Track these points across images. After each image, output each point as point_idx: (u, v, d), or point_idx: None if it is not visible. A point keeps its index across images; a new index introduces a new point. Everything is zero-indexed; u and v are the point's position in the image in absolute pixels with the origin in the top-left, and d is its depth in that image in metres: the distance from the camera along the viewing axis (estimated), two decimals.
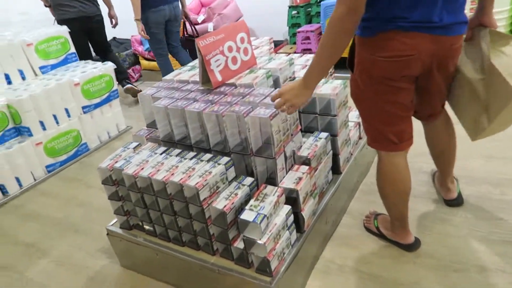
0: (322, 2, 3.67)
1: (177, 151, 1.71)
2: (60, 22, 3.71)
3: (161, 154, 1.71)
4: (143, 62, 4.87)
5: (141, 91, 3.99)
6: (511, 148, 2.26)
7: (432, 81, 1.43)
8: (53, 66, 3.34)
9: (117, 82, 3.62)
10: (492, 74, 1.34)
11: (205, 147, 1.71)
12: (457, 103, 1.58)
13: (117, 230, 1.84)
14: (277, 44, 4.20)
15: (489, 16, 1.43)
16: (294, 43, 4.07)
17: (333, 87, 1.87)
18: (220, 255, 1.60)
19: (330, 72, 2.34)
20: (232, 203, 1.47)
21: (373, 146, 1.54)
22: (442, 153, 1.82)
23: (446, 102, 1.64)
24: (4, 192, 2.76)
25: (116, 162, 1.72)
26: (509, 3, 3.26)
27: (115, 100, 3.45)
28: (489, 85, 1.37)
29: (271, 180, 1.63)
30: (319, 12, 3.86)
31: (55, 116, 3.00)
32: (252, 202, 1.49)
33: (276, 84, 1.91)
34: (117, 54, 4.79)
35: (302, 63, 2.19)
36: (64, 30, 3.40)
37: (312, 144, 1.77)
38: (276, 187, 1.55)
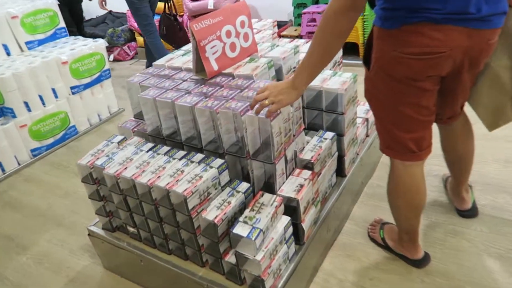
0: None
1: (166, 148, 1.53)
2: None
3: (147, 151, 1.54)
4: (139, 39, 4.61)
5: None
6: None
7: (460, 81, 1.24)
8: (41, 42, 3.12)
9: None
10: None
11: (197, 145, 1.53)
12: (475, 91, 1.39)
13: (99, 232, 1.69)
14: (281, 25, 3.96)
15: None
16: (299, 24, 3.83)
17: (342, 81, 1.67)
18: (210, 267, 1.45)
19: (338, 61, 2.14)
20: (224, 214, 1.31)
21: (387, 153, 1.36)
22: (459, 159, 1.64)
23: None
24: None
25: (98, 158, 1.54)
26: None
27: (106, 80, 3.24)
28: None
29: (269, 186, 1.46)
30: None
31: (41, 97, 2.80)
32: (247, 212, 1.33)
33: (278, 74, 1.71)
34: (112, 29, 4.55)
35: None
36: (53, 2, 3.16)
37: (316, 146, 1.59)
38: (275, 196, 1.39)
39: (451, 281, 1.49)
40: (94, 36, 4.75)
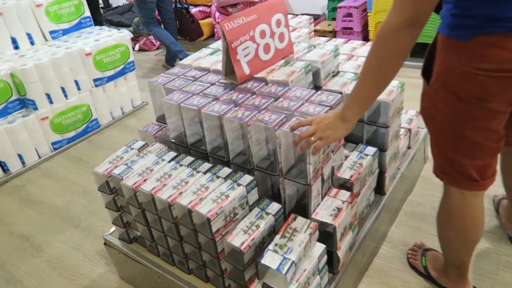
0: None
1: (190, 159, 1.40)
2: None
3: (169, 161, 1.40)
4: None
5: None
6: None
7: None
8: (65, 31, 3.03)
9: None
10: None
11: (224, 157, 1.38)
12: None
13: (115, 242, 1.58)
14: (315, 19, 3.75)
15: None
16: (333, 19, 3.61)
17: (388, 89, 1.49)
18: None
19: None
20: (252, 239, 1.16)
21: (444, 180, 1.18)
22: None
23: None
24: (5, 170, 2.54)
25: (116, 167, 1.42)
26: None
27: (130, 73, 3.13)
28: None
29: (303, 207, 1.31)
30: None
31: (63, 89, 2.71)
32: (277, 239, 1.18)
33: (315, 80, 1.54)
34: (138, 19, 4.43)
35: (347, 52, 1.80)
36: None
37: (356, 163, 1.42)
38: (309, 221, 1.23)
39: None
40: (119, 24, 4.67)
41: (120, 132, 2.96)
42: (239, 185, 1.24)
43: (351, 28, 3.32)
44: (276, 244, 1.16)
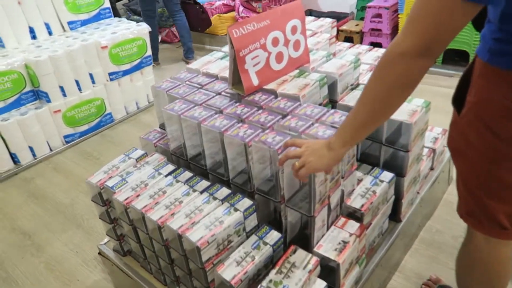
0: None
1: (188, 175, 1.30)
2: None
3: (166, 175, 1.31)
4: None
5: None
6: None
7: None
8: (84, 22, 2.98)
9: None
10: None
11: (223, 176, 1.28)
12: None
13: (109, 253, 1.50)
14: (341, 18, 3.57)
15: None
16: (362, 18, 3.42)
17: (411, 109, 1.34)
18: None
19: None
20: (245, 273, 1.05)
21: (468, 222, 1.03)
22: None
23: None
24: (16, 162, 2.53)
25: (110, 178, 1.34)
26: None
27: (147, 67, 3.07)
28: None
29: (305, 237, 1.19)
30: None
31: (77, 82, 2.67)
32: (272, 274, 1.07)
33: (331, 93, 1.41)
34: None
35: (370, 61, 1.65)
36: None
37: (369, 190, 1.29)
38: (310, 255, 1.11)
39: None
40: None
41: (134, 127, 2.91)
42: (236, 210, 1.14)
43: (380, 30, 3.12)
44: (270, 281, 1.05)
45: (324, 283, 1.11)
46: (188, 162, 1.38)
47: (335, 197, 1.20)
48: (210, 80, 1.47)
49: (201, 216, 1.13)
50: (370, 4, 3.15)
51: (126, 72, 2.91)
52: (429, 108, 1.39)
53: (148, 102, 3.16)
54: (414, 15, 0.72)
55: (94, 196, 1.37)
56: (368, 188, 1.30)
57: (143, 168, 1.36)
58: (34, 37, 2.79)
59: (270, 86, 1.36)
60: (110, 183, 1.30)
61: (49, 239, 1.95)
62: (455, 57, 2.97)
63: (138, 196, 1.23)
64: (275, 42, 1.34)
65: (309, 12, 3.81)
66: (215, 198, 1.19)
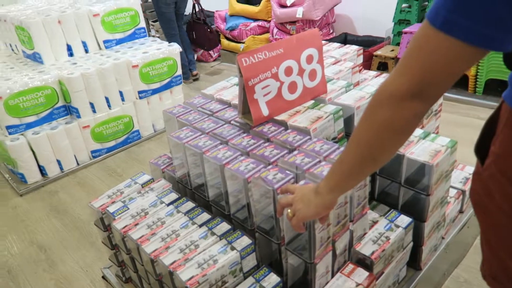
0: None
1: (190, 205, 1.25)
2: None
3: (168, 205, 1.27)
4: (223, 42, 4.45)
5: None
6: None
7: None
8: (119, 41, 3.06)
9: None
10: None
11: (224, 210, 1.22)
12: None
13: (111, 278, 1.48)
14: (377, 42, 3.46)
15: None
16: (397, 44, 3.30)
17: (434, 149, 1.23)
18: None
19: (435, 109, 1.66)
20: None
21: (492, 286, 0.90)
22: None
23: None
24: (44, 174, 2.60)
25: (113, 202, 1.32)
26: None
27: (177, 86, 3.10)
28: None
29: (306, 283, 1.10)
30: None
31: (107, 99, 2.73)
32: None
33: (348, 126, 1.33)
34: None
35: None
36: (135, 2, 3.09)
37: (382, 235, 1.18)
38: None
39: None
40: None
41: (159, 146, 2.92)
42: (233, 249, 1.07)
43: None
44: None
45: None
46: (193, 192, 1.33)
47: (342, 242, 1.10)
48: (222, 107, 1.43)
49: (196, 253, 1.07)
50: (406, 29, 3.03)
51: (155, 91, 2.95)
52: (455, 148, 1.27)
53: None
54: (408, 54, 0.64)
55: (96, 220, 1.35)
56: (381, 233, 1.19)
57: (146, 195, 1.32)
58: (71, 55, 2.89)
59: (282, 117, 1.30)
60: (111, 209, 1.28)
61: (63, 255, 1.96)
62: (497, 88, 2.77)
63: (136, 225, 1.20)
64: (289, 71, 1.29)
65: (344, 36, 3.73)
66: (213, 234, 1.13)
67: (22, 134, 2.49)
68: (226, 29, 4.33)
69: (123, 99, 2.82)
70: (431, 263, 1.42)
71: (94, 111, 2.69)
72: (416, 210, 1.28)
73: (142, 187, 1.40)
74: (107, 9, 2.92)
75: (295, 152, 1.13)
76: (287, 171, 1.05)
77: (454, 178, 1.58)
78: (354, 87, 1.50)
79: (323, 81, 1.39)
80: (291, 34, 3.83)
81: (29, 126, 2.51)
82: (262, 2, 4.14)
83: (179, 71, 3.05)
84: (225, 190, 1.16)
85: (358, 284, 1.08)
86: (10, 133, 2.45)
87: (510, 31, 0.57)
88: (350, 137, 0.75)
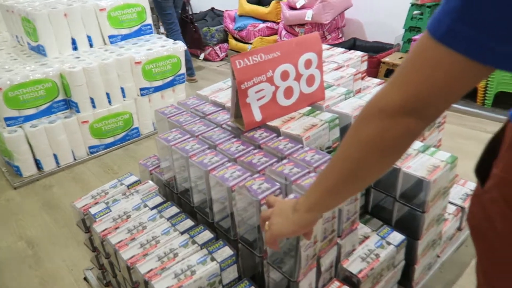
0: None
1: (174, 210, 1.20)
2: None
3: (152, 209, 1.22)
4: (231, 41, 4.41)
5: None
6: None
7: None
8: (124, 37, 3.04)
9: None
10: None
11: (208, 217, 1.17)
12: None
13: (92, 281, 1.44)
14: (386, 49, 3.39)
15: None
16: (407, 51, 3.22)
17: (433, 164, 1.17)
18: None
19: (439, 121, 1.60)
20: None
21: None
22: None
23: None
24: (40, 168, 2.58)
25: (96, 203, 1.28)
26: None
27: (180, 85, 3.06)
28: None
29: None
30: None
31: (108, 95, 2.70)
32: None
33: (344, 135, 1.26)
34: (206, 28, 4.41)
35: None
36: None
37: (371, 252, 1.12)
38: None
39: None
40: None
41: None
42: (213, 259, 1.02)
43: None
44: None
45: None
46: (179, 196, 1.28)
47: (328, 258, 1.05)
48: (216, 110, 1.38)
49: (174, 262, 1.02)
50: (417, 37, 2.95)
51: (157, 89, 2.92)
52: (455, 164, 1.20)
53: None
54: (404, 66, 0.57)
55: (78, 221, 1.31)
56: (371, 250, 1.13)
57: (131, 197, 1.28)
58: (75, 48, 2.87)
59: (275, 123, 1.24)
60: (93, 210, 1.24)
61: (50, 252, 1.93)
62: (508, 101, 2.69)
63: (116, 228, 1.15)
64: (285, 75, 1.23)
65: (353, 41, 3.66)
66: (194, 242, 1.08)
67: (20, 127, 2.47)
68: (234, 29, 4.30)
69: (124, 96, 2.79)
70: (424, 282, 1.36)
71: (94, 106, 2.66)
72: (410, 227, 1.21)
73: (128, 188, 1.35)
74: (113, 4, 2.90)
75: (285, 161, 1.07)
76: (273, 181, 1.00)
77: (454, 194, 1.51)
78: (356, 94, 1.44)
79: (321, 87, 1.34)
80: None
81: (28, 118, 2.49)
82: (272, 3, 4.10)
83: (183, 70, 3.02)
84: (209, 197, 1.11)
85: None
86: (8, 125, 2.43)
87: None
88: (336, 151, 0.68)
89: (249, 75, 1.16)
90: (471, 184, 1.54)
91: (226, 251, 1.04)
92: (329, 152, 1.21)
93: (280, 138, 1.18)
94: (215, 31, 4.45)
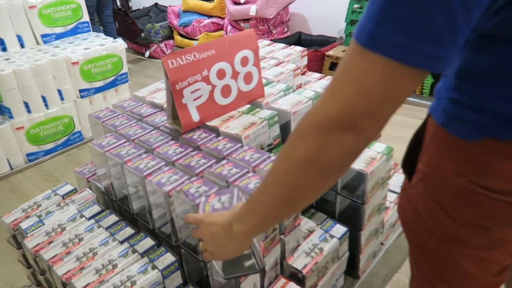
0: None
1: (113, 219, 1.15)
2: None
3: (89, 219, 1.16)
4: (177, 38, 4.31)
5: None
6: None
7: None
8: (59, 36, 2.87)
9: None
10: None
11: (149, 224, 1.13)
12: None
13: None
14: (330, 42, 3.45)
15: None
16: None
17: (370, 156, 1.20)
18: None
19: None
20: None
21: None
22: None
23: None
24: None
25: (27, 217, 1.20)
26: None
27: (123, 85, 2.94)
28: None
29: None
30: None
31: (44, 98, 2.54)
32: None
33: (284, 133, 1.27)
34: (150, 25, 4.27)
35: None
36: None
37: (316, 247, 1.14)
38: None
39: None
40: None
41: None
42: (154, 268, 0.99)
43: None
44: None
45: None
46: (118, 204, 1.23)
47: (272, 257, 1.05)
48: (153, 111, 1.34)
49: (113, 273, 0.98)
50: None
51: (98, 90, 2.79)
52: (391, 155, 1.25)
53: None
54: (335, 78, 0.53)
55: (8, 237, 1.22)
56: (315, 244, 1.14)
57: (66, 208, 1.21)
58: (4, 49, 2.67)
59: (214, 122, 1.22)
60: (24, 225, 1.16)
61: None
62: None
63: (50, 242, 1.09)
64: (221, 74, 1.21)
65: (298, 35, 3.70)
66: (134, 251, 1.04)
67: None
68: (179, 25, 4.20)
69: (62, 98, 2.64)
70: (370, 270, 1.40)
71: (29, 111, 2.49)
72: (353, 219, 1.24)
73: (63, 198, 1.28)
74: (44, 1, 2.72)
75: (224, 162, 1.06)
76: (212, 184, 0.98)
77: (395, 182, 1.56)
78: (297, 89, 1.45)
79: (259, 84, 1.33)
80: None
81: None
82: None
83: (125, 69, 2.90)
84: (148, 203, 1.07)
85: None
86: None
87: (449, 47, 0.47)
88: (268, 173, 0.63)
89: (183, 75, 1.12)
90: None
91: (168, 258, 1.01)
92: (270, 150, 1.21)
93: (220, 138, 1.16)
94: (159, 28, 4.33)
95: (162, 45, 4.36)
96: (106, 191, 1.27)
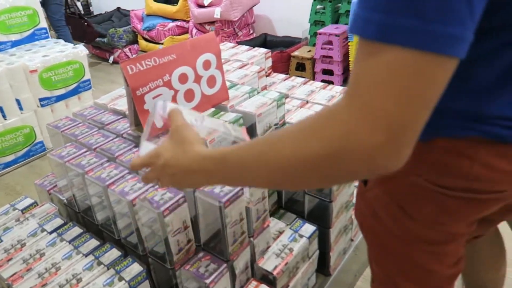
0: (354, 0, 2.92)
1: (76, 231, 1.11)
2: None
3: (50, 233, 1.12)
4: (141, 42, 4.24)
5: None
6: None
7: (503, 218, 0.77)
8: (15, 43, 2.76)
9: None
10: None
11: (114, 234, 1.10)
12: None
13: None
14: (295, 43, 3.49)
15: None
16: (314, 44, 3.35)
17: None
18: None
19: None
20: None
21: None
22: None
23: None
24: None
25: None
26: None
27: (86, 92, 2.86)
28: None
29: None
30: (350, 11, 3.12)
31: (1, 108, 2.44)
32: None
33: (250, 135, 1.26)
34: (113, 29, 4.18)
35: (302, 96, 1.53)
36: (34, 0, 2.80)
37: (285, 247, 1.14)
38: None
39: None
40: None
41: None
42: (121, 279, 0.96)
43: (331, 57, 3.05)
44: None
45: None
46: (82, 215, 1.19)
47: (241, 260, 1.04)
48: (116, 118, 1.30)
49: None
50: (321, 31, 3.08)
51: (60, 98, 2.70)
52: None
53: None
54: (359, 95, 0.44)
55: None
56: (285, 245, 1.15)
57: (26, 223, 1.16)
58: None
59: None
60: None
61: None
62: None
63: (9, 260, 1.04)
64: (183, 78, 1.19)
65: (264, 37, 3.72)
66: (100, 263, 1.01)
67: None
68: (143, 29, 4.13)
69: (21, 108, 2.53)
70: (341, 267, 1.42)
71: None
72: (322, 217, 1.26)
73: (23, 213, 1.23)
74: None
75: None
76: (175, 191, 0.96)
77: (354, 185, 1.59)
78: (262, 91, 1.45)
79: (223, 87, 1.32)
80: None
81: None
82: (179, 2, 4.00)
83: (88, 76, 2.83)
84: (112, 213, 1.04)
85: None
86: None
87: (468, 25, 0.41)
88: (268, 151, 0.52)
89: (143, 80, 1.10)
90: None
91: (135, 268, 0.99)
92: None
93: None
94: (122, 32, 4.24)
95: (126, 50, 4.27)
96: (69, 203, 1.22)
